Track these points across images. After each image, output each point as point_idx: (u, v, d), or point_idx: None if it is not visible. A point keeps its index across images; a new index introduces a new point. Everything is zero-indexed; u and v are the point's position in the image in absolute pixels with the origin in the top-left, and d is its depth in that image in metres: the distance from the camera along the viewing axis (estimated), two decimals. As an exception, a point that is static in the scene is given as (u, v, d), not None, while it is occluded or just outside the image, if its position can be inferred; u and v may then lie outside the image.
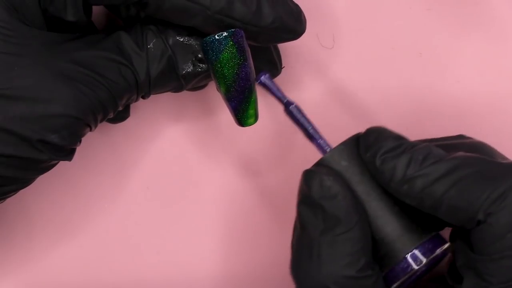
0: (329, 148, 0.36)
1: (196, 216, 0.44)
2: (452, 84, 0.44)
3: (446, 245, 0.34)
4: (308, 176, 0.33)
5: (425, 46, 0.44)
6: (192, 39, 0.36)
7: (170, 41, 0.36)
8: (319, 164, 0.34)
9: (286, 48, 0.44)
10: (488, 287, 0.30)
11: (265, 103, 0.44)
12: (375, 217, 0.33)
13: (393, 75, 0.44)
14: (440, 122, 0.44)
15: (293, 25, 0.37)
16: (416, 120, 0.44)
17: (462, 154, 0.32)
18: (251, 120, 0.36)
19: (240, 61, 0.34)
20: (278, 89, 0.37)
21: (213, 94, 0.44)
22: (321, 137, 0.36)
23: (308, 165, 0.42)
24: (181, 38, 0.36)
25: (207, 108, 0.44)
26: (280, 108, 0.44)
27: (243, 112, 0.36)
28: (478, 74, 0.45)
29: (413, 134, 0.44)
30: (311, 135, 0.36)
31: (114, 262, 0.44)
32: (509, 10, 0.45)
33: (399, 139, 0.33)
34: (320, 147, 0.36)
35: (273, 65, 0.41)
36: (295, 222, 0.34)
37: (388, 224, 0.33)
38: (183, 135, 0.44)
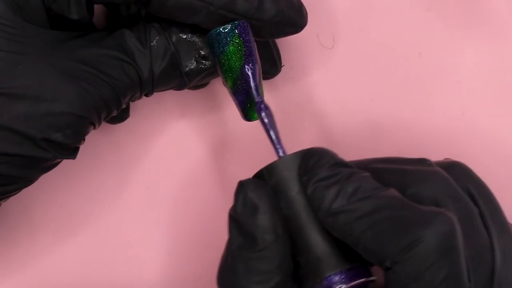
0: (281, 153, 0.35)
1: (196, 216, 0.44)
2: (452, 84, 0.44)
3: (370, 278, 0.32)
4: (237, 189, 0.33)
5: (425, 46, 0.44)
6: (195, 36, 0.37)
7: (173, 38, 0.36)
8: (264, 171, 0.33)
9: (286, 48, 0.44)
10: None
11: (270, 97, 0.44)
12: (303, 236, 0.32)
13: (393, 75, 0.45)
14: (440, 122, 0.45)
15: (295, 18, 0.37)
16: (416, 120, 0.45)
17: (389, 194, 0.31)
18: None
19: (246, 53, 0.34)
20: (256, 86, 0.36)
21: (215, 92, 0.44)
22: (279, 143, 0.35)
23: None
24: (184, 35, 0.36)
25: (210, 106, 0.44)
26: (278, 107, 0.44)
27: (250, 106, 0.36)
28: (478, 74, 0.45)
29: (414, 133, 0.44)
30: (271, 139, 0.35)
31: (114, 262, 0.44)
32: (509, 10, 0.45)
33: (336, 168, 0.32)
34: (276, 152, 0.35)
35: (273, 63, 0.41)
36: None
37: (314, 245, 0.32)
38: (186, 134, 0.44)
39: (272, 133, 0.35)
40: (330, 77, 0.45)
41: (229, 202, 0.44)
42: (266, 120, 0.35)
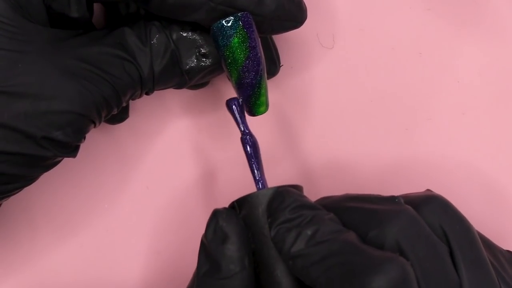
0: (260, 187, 0.35)
1: (195, 216, 0.44)
2: (452, 84, 0.44)
3: None
4: (210, 217, 0.33)
5: (425, 46, 0.44)
6: (196, 34, 0.36)
7: (174, 36, 0.36)
8: (243, 200, 0.33)
9: (286, 48, 0.44)
10: None
11: (270, 97, 0.44)
12: (268, 273, 0.32)
13: (393, 75, 0.45)
14: (440, 122, 0.45)
15: (295, 13, 0.37)
16: (416, 120, 0.45)
17: (345, 238, 0.31)
18: (263, 108, 0.36)
19: (251, 44, 0.34)
20: (242, 116, 0.36)
21: (216, 92, 0.44)
22: (260, 175, 0.35)
23: (307, 168, 0.42)
24: (184, 33, 0.36)
25: (211, 105, 0.44)
26: (278, 107, 0.44)
27: (255, 100, 0.36)
28: (478, 74, 0.45)
29: (413, 133, 0.44)
30: (253, 170, 0.35)
31: (114, 262, 0.44)
32: (508, 10, 0.45)
33: (298, 210, 0.32)
34: (256, 183, 0.35)
35: (272, 63, 0.41)
36: None
37: (278, 283, 0.32)
38: (187, 133, 0.44)
39: (254, 164, 0.35)
40: (330, 77, 0.45)
41: (228, 202, 0.44)
42: (249, 152, 0.35)
